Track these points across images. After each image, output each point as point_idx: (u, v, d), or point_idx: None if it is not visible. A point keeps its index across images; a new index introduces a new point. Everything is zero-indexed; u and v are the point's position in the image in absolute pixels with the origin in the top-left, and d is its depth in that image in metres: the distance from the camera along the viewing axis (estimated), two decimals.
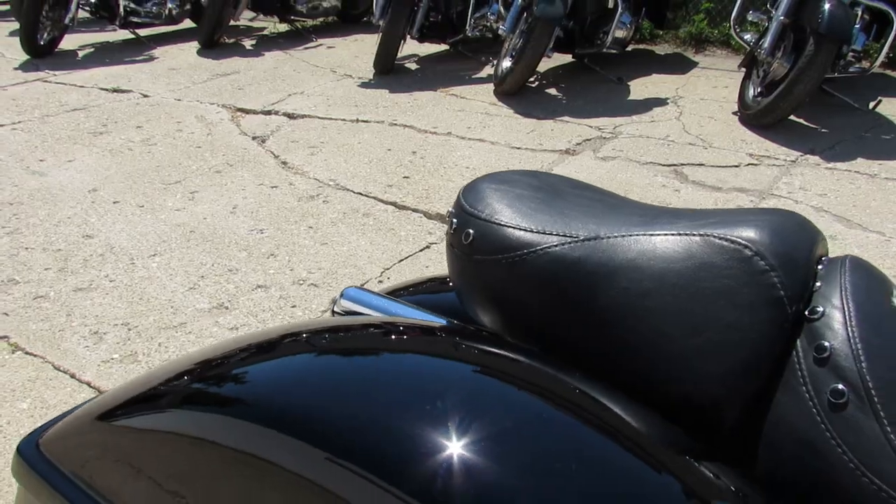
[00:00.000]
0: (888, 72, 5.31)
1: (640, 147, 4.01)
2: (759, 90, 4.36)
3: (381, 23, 5.14)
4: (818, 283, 0.66)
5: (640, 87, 5.16)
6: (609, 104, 4.75)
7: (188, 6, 6.65)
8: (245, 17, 7.45)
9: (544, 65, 5.63)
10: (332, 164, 3.79)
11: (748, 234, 0.67)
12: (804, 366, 0.61)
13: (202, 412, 0.63)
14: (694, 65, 5.81)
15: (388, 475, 0.54)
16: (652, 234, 0.71)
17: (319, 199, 3.40)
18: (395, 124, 4.39)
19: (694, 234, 0.69)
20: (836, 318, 0.62)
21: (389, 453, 0.55)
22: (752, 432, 0.63)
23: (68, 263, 2.82)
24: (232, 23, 6.82)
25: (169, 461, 0.62)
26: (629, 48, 6.12)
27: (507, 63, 4.81)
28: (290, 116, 4.54)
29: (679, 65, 5.81)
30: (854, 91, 4.79)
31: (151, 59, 5.95)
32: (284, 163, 3.83)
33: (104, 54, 6.07)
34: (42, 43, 5.76)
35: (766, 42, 4.21)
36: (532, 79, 5.20)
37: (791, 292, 0.64)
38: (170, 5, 6.43)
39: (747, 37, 4.65)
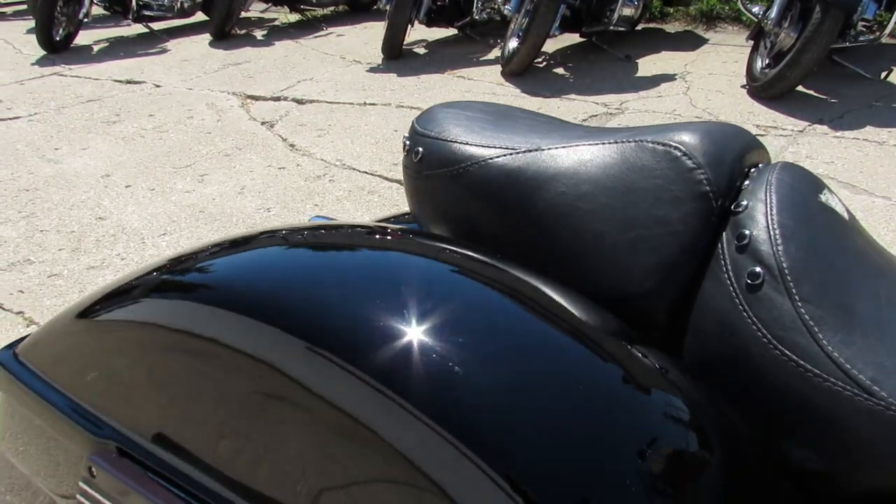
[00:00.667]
0: None
1: (646, 121, 4.01)
2: (766, 62, 4.33)
3: (387, 8, 5.17)
4: (747, 182, 0.69)
5: (649, 64, 5.14)
6: (616, 81, 4.74)
7: None
8: (257, 9, 7.53)
9: (553, 45, 5.63)
10: (339, 146, 3.84)
11: (679, 137, 0.70)
12: (727, 254, 0.64)
13: (177, 300, 0.66)
14: (704, 41, 5.77)
15: (352, 358, 0.56)
16: (589, 144, 0.73)
17: (326, 178, 3.45)
18: (402, 106, 4.42)
19: (628, 141, 0.72)
20: (758, 209, 0.64)
21: (355, 337, 0.58)
22: (681, 320, 0.66)
23: (81, 244, 2.90)
24: (243, 14, 6.90)
25: (145, 350, 0.66)
26: (639, 27, 6.10)
27: (513, 43, 4.82)
28: (299, 102, 4.59)
29: (689, 42, 5.77)
30: (866, 62, 4.73)
31: (164, 51, 6.03)
32: (292, 145, 3.88)
33: (118, 48, 6.17)
34: (58, 39, 5.86)
35: (773, 12, 4.18)
36: (540, 59, 5.21)
37: (717, 188, 0.66)
38: None
39: (755, 9, 4.61)
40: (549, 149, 0.74)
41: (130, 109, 4.55)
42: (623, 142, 0.72)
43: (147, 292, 0.69)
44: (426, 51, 5.78)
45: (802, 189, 0.67)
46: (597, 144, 0.73)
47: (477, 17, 5.66)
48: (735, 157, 0.69)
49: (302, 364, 0.57)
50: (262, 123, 4.24)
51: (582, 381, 0.58)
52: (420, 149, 0.80)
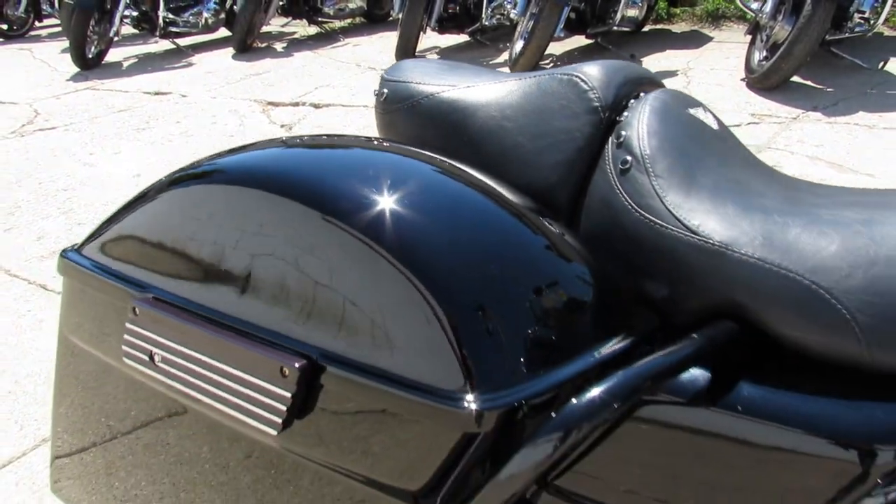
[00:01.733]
0: None
1: None
2: (763, 55, 4.49)
3: (400, 15, 5.42)
4: (633, 101, 0.88)
5: (653, 62, 5.31)
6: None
7: (223, 15, 7.04)
8: (277, 23, 7.84)
9: (561, 47, 5.84)
10: None
11: (581, 69, 0.90)
12: (609, 151, 0.83)
13: (207, 183, 0.85)
14: (709, 39, 5.93)
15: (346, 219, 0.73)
16: (514, 80, 0.93)
17: None
18: None
19: (543, 76, 0.92)
20: (634, 116, 0.84)
21: (351, 205, 0.74)
22: (578, 204, 0.85)
23: None
24: (265, 29, 7.20)
25: (178, 227, 0.84)
26: (646, 28, 6.28)
27: (519, 45, 5.03)
28: (316, 106, 4.84)
29: (694, 40, 5.94)
30: (865, 52, 4.86)
31: (189, 65, 6.34)
32: None
33: (147, 63, 6.49)
34: (90, 56, 6.20)
35: (768, 6, 4.35)
36: (547, 61, 5.41)
37: (605, 104, 0.86)
38: (205, 15, 6.83)
39: (753, 5, 4.77)
40: (483, 84, 0.95)
41: (158, 117, 4.83)
42: (539, 76, 0.92)
43: (186, 180, 0.88)
44: (438, 56, 6.01)
45: (673, 104, 0.86)
46: (520, 80, 0.93)
47: (487, 23, 5.89)
48: (622, 82, 0.88)
49: (316, 225, 0.74)
50: (282, 126, 4.49)
51: (506, 234, 0.78)
52: (385, 90, 1.01)
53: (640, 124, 0.83)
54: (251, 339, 0.73)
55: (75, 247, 0.98)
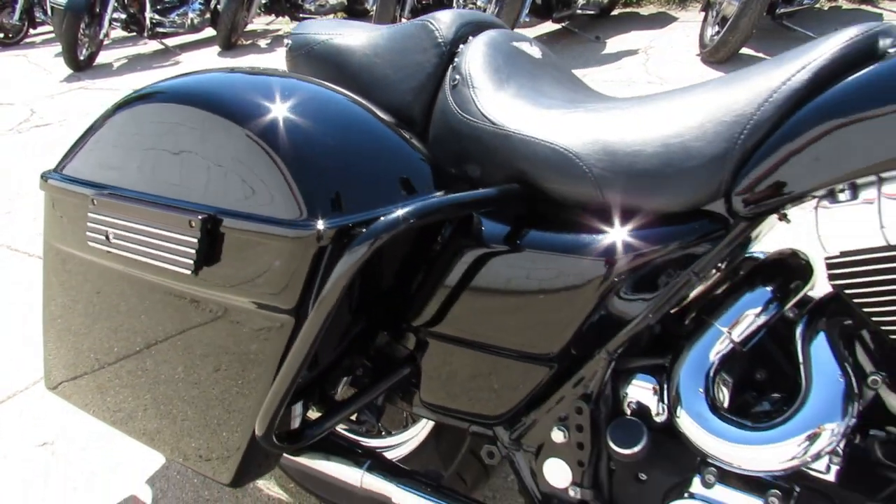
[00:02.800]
0: (863, 6, 5.61)
1: (601, 88, 4.44)
2: (714, 29, 4.74)
3: (374, 7, 5.69)
4: (470, 38, 1.15)
5: (617, 43, 5.57)
6: (582, 59, 5.19)
7: (208, 15, 7.31)
8: (262, 21, 8.12)
9: (532, 32, 6.09)
10: None
11: (433, 16, 1.17)
12: (448, 75, 1.10)
13: (142, 104, 1.09)
14: (674, 20, 6.18)
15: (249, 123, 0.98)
16: (385, 28, 1.20)
17: None
18: None
19: (408, 24, 1.18)
20: (467, 49, 1.11)
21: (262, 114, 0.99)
22: (428, 118, 1.12)
23: None
24: (249, 27, 7.47)
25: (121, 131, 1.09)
26: (616, 12, 6.54)
27: None
28: None
29: (659, 21, 6.19)
30: (819, 25, 5.12)
31: (177, 63, 6.62)
32: None
33: (136, 63, 6.77)
34: (82, 58, 6.48)
35: None
36: None
37: (446, 40, 1.13)
38: (191, 15, 7.11)
39: None
40: (361, 32, 1.22)
41: None
42: (403, 25, 1.18)
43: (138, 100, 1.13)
44: None
45: (500, 39, 1.13)
46: (389, 28, 1.20)
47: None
48: (461, 24, 1.15)
49: (219, 125, 0.99)
50: None
51: (357, 125, 1.03)
52: (290, 41, 1.28)
53: (468, 53, 1.10)
54: (171, 207, 1.00)
55: (52, 170, 1.25)
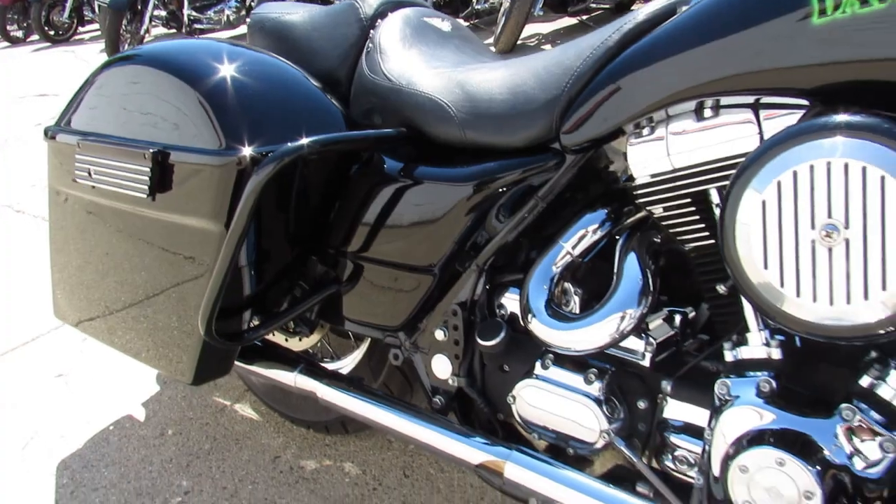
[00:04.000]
0: None
1: None
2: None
3: None
4: (389, 14, 1.38)
5: None
6: None
7: (244, 11, 7.67)
8: None
9: (548, 27, 6.28)
10: None
11: None
12: (367, 47, 1.33)
13: (118, 66, 1.36)
14: None
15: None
16: (325, 7, 1.44)
17: None
18: None
19: (340, 4, 1.42)
20: (383, 23, 1.34)
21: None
22: (351, 82, 1.36)
23: None
24: None
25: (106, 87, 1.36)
26: (634, 7, 6.67)
27: (501, 24, 5.50)
28: None
29: None
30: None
31: None
32: None
33: None
34: None
35: None
36: (534, 39, 5.86)
37: (366, 17, 1.36)
38: (227, 12, 7.47)
39: None
40: (304, 11, 1.46)
41: None
42: (338, 4, 1.42)
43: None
44: None
45: (413, 16, 1.36)
46: (327, 7, 1.44)
47: (478, 7, 6.38)
48: (382, 3, 1.38)
49: (171, 82, 1.24)
50: None
51: (280, 82, 1.27)
52: (249, 19, 1.53)
53: (382, 26, 1.33)
54: (132, 145, 1.25)
55: (52, 125, 1.52)
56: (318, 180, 1.28)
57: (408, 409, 1.26)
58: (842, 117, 0.78)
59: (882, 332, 0.78)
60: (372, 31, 1.34)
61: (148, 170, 1.21)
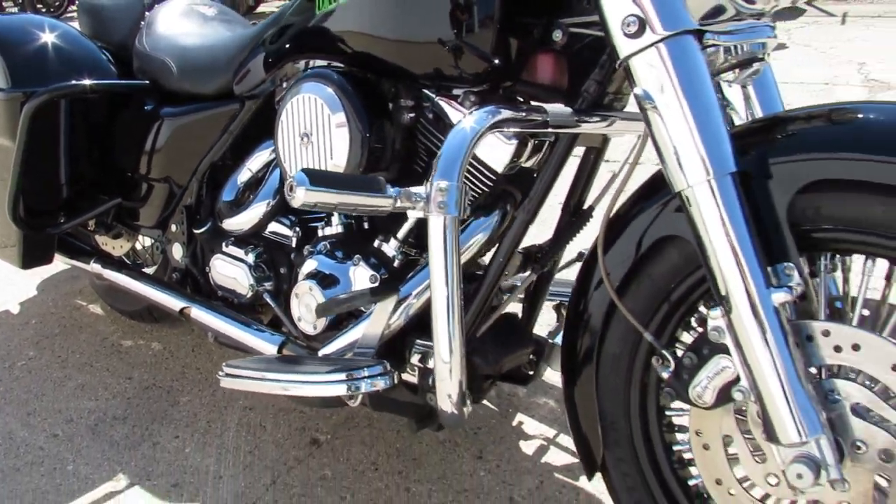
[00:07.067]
0: None
1: None
2: None
3: None
4: (165, 1, 1.88)
5: None
6: None
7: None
8: (276, 5, 8.94)
9: None
10: None
11: None
12: (142, 24, 1.84)
13: None
14: None
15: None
16: None
17: None
18: None
19: None
20: (159, 7, 1.84)
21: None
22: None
23: None
24: (261, 9, 8.31)
25: None
26: None
27: None
28: None
29: None
30: None
31: None
32: None
33: None
34: None
35: None
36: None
37: (147, 3, 1.86)
38: None
39: None
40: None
41: None
42: None
43: None
44: None
45: (180, 4, 1.86)
46: None
47: None
48: None
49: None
50: None
51: (69, 48, 1.79)
52: (79, 1, 2.04)
53: (156, 9, 1.83)
54: None
55: None
56: (96, 116, 1.80)
57: (156, 283, 1.77)
58: (316, 70, 1.29)
59: None
60: (147, 13, 1.85)
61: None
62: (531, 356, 1.47)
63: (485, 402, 1.77)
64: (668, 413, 1.17)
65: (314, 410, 1.77)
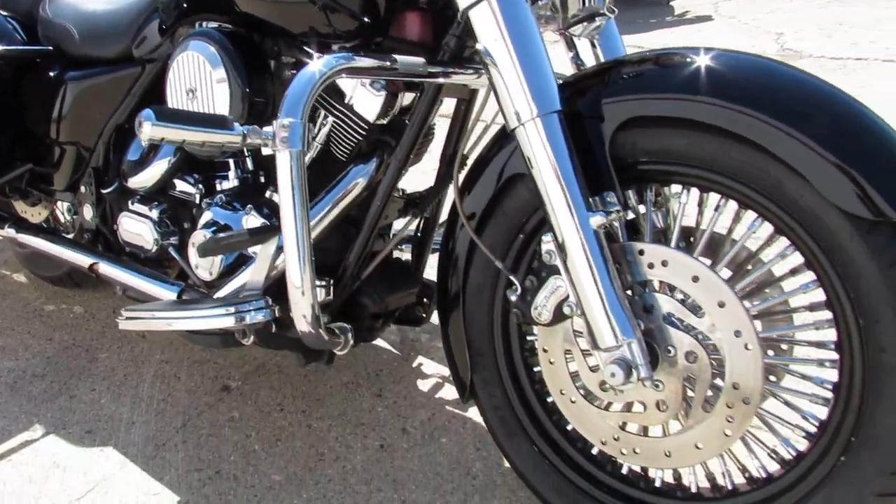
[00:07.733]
0: None
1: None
2: None
3: None
4: None
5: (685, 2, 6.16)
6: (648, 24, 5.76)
7: None
8: None
9: None
10: None
11: None
12: None
13: None
14: None
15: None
16: None
17: None
18: None
19: None
20: None
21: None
22: None
23: None
24: None
25: None
26: None
27: None
28: None
29: None
30: None
31: None
32: None
33: None
34: None
35: None
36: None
37: None
38: None
39: None
40: None
41: None
42: None
43: None
44: None
45: None
46: None
47: None
48: None
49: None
50: None
51: None
52: None
53: None
54: None
55: None
56: (3, 83, 1.84)
57: (66, 242, 1.83)
58: (201, 30, 1.37)
59: None
60: None
61: None
62: (424, 299, 1.59)
63: (388, 347, 1.89)
64: (529, 338, 1.30)
65: (228, 361, 1.87)
